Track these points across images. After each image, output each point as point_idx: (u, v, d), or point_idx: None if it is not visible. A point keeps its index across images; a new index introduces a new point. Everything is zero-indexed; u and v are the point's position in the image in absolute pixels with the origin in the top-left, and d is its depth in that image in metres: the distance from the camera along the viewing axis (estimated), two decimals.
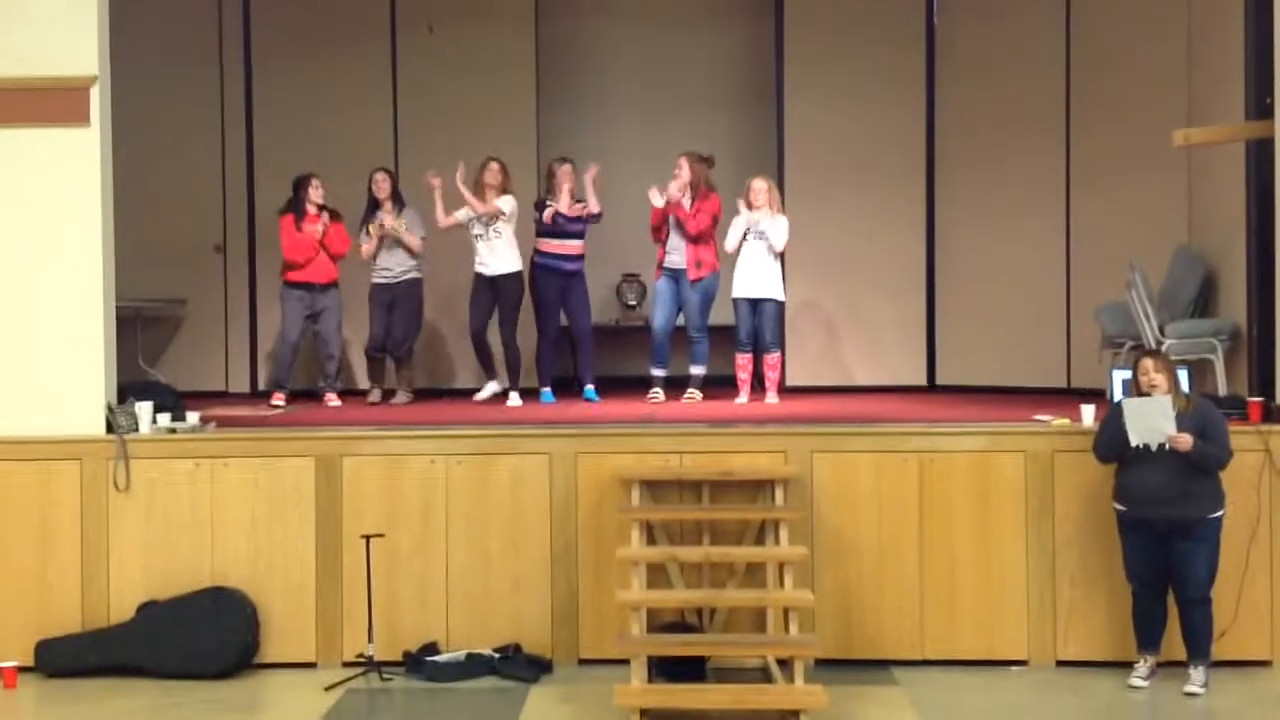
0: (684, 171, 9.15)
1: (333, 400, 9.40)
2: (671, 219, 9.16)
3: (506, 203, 9.25)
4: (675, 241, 9.21)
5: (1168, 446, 6.54)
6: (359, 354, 10.20)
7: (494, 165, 9.29)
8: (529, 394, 9.37)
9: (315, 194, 9.35)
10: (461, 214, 9.28)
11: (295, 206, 9.37)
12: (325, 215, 9.34)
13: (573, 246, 9.38)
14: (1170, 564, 6.66)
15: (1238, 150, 8.10)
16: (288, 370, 9.44)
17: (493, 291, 9.30)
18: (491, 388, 9.35)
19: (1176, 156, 8.87)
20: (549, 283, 9.40)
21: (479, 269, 9.32)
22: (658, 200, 9.12)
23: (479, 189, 9.24)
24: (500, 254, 9.26)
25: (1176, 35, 9.21)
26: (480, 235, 9.24)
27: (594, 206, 9.33)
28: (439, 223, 9.37)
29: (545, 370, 9.48)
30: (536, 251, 9.47)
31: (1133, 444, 6.58)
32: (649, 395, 9.26)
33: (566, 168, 9.41)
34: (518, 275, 9.34)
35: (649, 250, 9.51)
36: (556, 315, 9.46)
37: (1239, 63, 8.08)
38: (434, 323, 10.49)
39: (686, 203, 9.11)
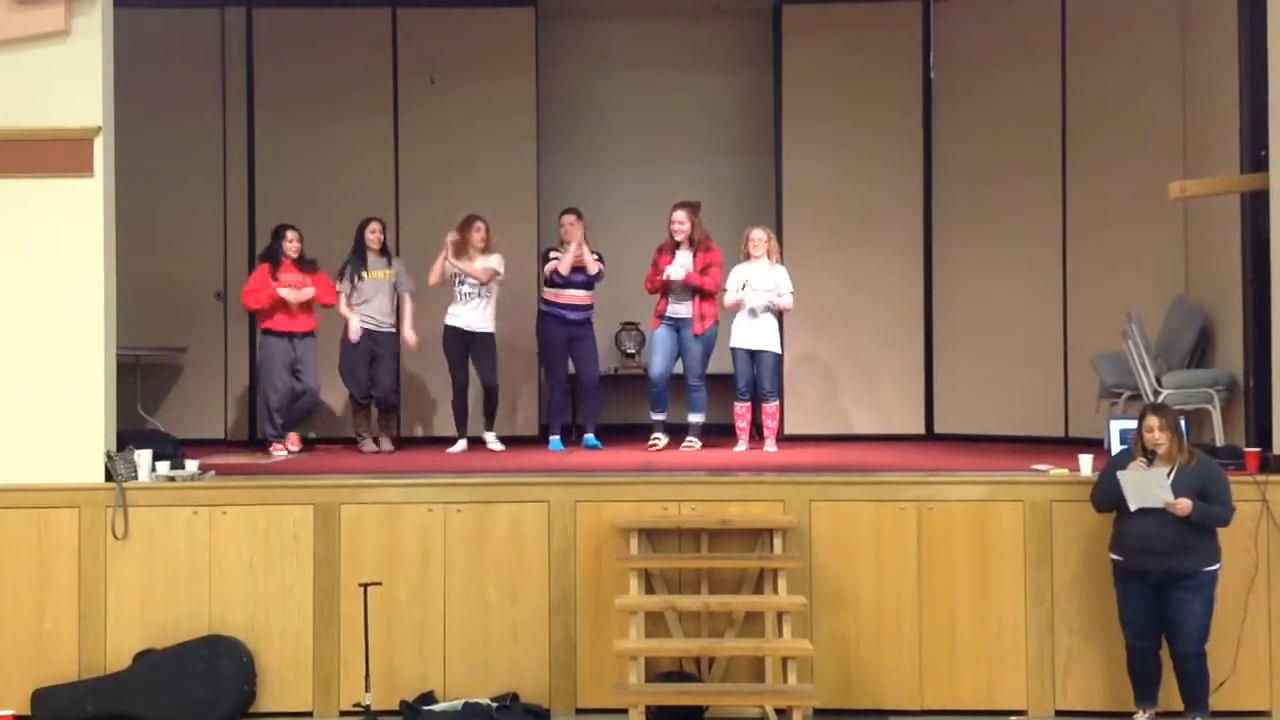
0: (686, 225, 9.18)
1: (294, 444, 9.36)
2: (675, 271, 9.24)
3: (499, 262, 9.30)
4: (680, 293, 9.24)
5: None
6: (338, 399, 10.19)
7: (480, 224, 9.31)
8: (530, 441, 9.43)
9: (290, 247, 9.34)
10: (450, 269, 9.29)
11: (271, 255, 9.37)
12: (297, 289, 9.25)
13: (578, 297, 9.40)
14: (1165, 616, 6.65)
15: (1233, 202, 8.16)
16: (283, 421, 9.41)
17: (467, 346, 9.31)
18: (463, 444, 9.35)
19: (1173, 208, 8.91)
20: (554, 332, 9.42)
21: (457, 323, 9.29)
22: (678, 274, 9.13)
23: (464, 247, 9.26)
24: (483, 313, 9.29)
25: (1172, 88, 9.28)
26: (471, 293, 9.25)
27: (591, 269, 9.35)
28: (432, 280, 9.36)
29: (555, 418, 9.49)
30: (543, 301, 9.52)
31: (1131, 509, 6.59)
32: (650, 441, 9.27)
33: (568, 219, 9.44)
34: (491, 335, 9.37)
35: (647, 299, 9.54)
36: (563, 364, 9.49)
37: (1234, 116, 8.16)
38: (422, 372, 10.50)
39: (689, 260, 9.15)
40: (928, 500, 7.29)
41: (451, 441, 9.49)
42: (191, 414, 10.47)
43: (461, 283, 9.28)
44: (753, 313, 8.98)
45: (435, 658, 7.29)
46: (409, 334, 9.54)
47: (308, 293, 9.28)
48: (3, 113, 7.40)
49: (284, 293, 9.21)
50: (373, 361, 9.59)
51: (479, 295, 9.27)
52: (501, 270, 9.33)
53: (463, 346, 9.34)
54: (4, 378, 7.40)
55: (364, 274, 9.55)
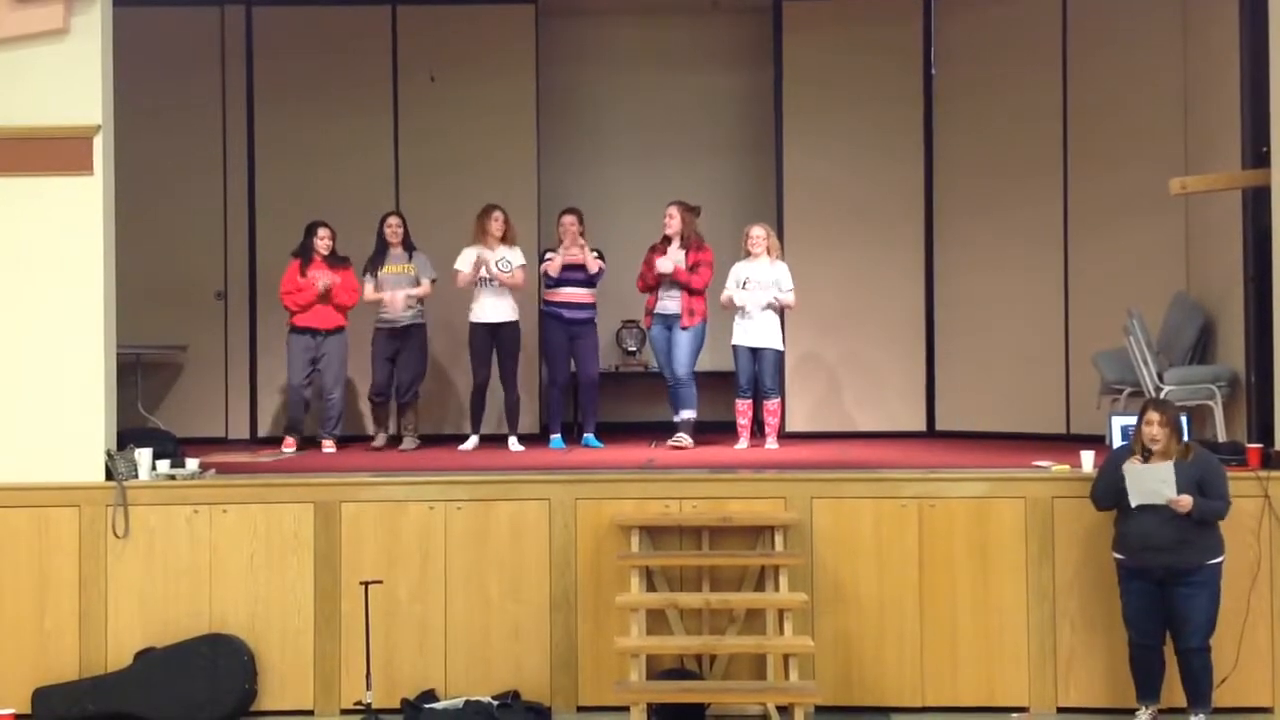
0: (675, 220, 9.22)
1: (328, 447, 9.40)
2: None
3: (520, 256, 9.31)
4: (669, 289, 9.25)
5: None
6: (363, 399, 10.20)
7: (498, 214, 9.30)
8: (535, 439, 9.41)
9: (321, 244, 9.39)
10: (470, 266, 9.25)
11: (303, 252, 9.42)
12: (327, 276, 9.31)
13: (575, 295, 9.38)
14: (1170, 611, 6.64)
15: (1234, 198, 8.15)
16: (300, 416, 9.43)
17: (493, 340, 9.31)
18: (474, 441, 9.33)
19: (1174, 204, 8.91)
20: (555, 331, 9.42)
21: (481, 318, 9.27)
22: (667, 268, 9.15)
23: (483, 236, 9.26)
24: (504, 304, 9.27)
25: (1173, 85, 9.27)
26: (488, 280, 9.23)
27: (591, 267, 9.33)
28: (460, 282, 9.31)
29: (555, 416, 9.48)
30: (543, 300, 9.50)
31: (1133, 504, 6.58)
32: (671, 442, 9.29)
33: (567, 219, 9.44)
34: (516, 324, 9.36)
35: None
36: (564, 363, 9.47)
37: (1235, 111, 8.16)
38: (445, 368, 10.49)
39: (680, 257, 9.17)
40: (929, 497, 7.28)
41: (462, 439, 9.46)
42: (192, 412, 10.46)
43: (480, 272, 9.25)
44: (744, 313, 8.96)
45: (436, 656, 7.28)
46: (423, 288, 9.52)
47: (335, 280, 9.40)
48: (2, 111, 7.39)
49: (319, 282, 9.25)
50: (394, 358, 9.58)
51: (495, 285, 9.23)
52: (524, 262, 9.35)
53: (488, 341, 9.29)
54: (4, 376, 7.40)
55: (381, 270, 9.54)
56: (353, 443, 9.79)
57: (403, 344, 9.59)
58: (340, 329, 9.47)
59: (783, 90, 10.59)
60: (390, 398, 9.70)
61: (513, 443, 9.23)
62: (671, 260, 9.17)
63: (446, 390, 10.56)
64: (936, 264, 10.49)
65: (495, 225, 9.27)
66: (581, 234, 9.40)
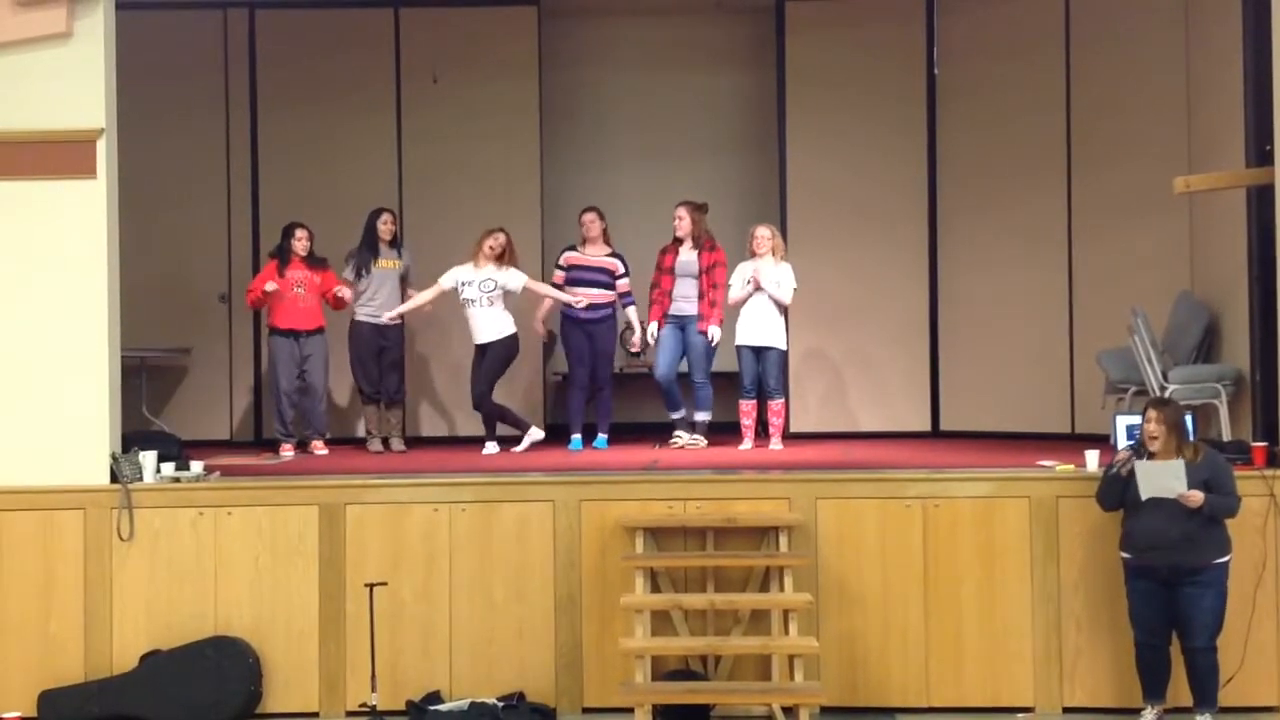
0: (685, 222, 9.21)
1: (320, 448, 9.41)
2: (678, 268, 9.22)
3: (514, 278, 9.15)
4: (683, 289, 9.23)
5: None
6: (343, 398, 10.22)
7: (497, 236, 9.09)
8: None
9: (299, 245, 9.39)
10: (448, 284, 9.17)
11: (280, 253, 9.43)
12: (310, 280, 9.31)
13: (591, 296, 9.33)
14: (1176, 611, 6.63)
15: (1238, 196, 8.13)
16: (291, 419, 9.42)
17: (482, 356, 9.16)
18: (494, 447, 9.28)
19: (1178, 203, 8.89)
20: (571, 332, 9.40)
21: (476, 339, 9.15)
22: (716, 336, 9.10)
23: (476, 256, 9.14)
24: (492, 322, 9.09)
25: (1176, 83, 9.26)
26: (474, 300, 9.09)
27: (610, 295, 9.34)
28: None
29: (575, 418, 9.43)
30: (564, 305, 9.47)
31: (1143, 498, 6.57)
32: (671, 439, 9.27)
33: (587, 217, 9.40)
34: (507, 340, 9.16)
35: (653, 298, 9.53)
36: (582, 364, 9.39)
37: (1238, 110, 8.13)
38: (431, 371, 10.52)
39: (693, 259, 9.16)
40: (933, 497, 7.27)
41: (464, 441, 9.44)
42: (196, 415, 10.48)
43: (461, 293, 9.11)
44: (752, 295, 8.95)
45: (441, 657, 7.29)
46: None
47: (340, 294, 9.41)
48: (5, 115, 7.42)
49: (268, 286, 9.24)
50: (380, 354, 9.60)
51: (479, 304, 9.08)
52: (518, 286, 9.23)
53: (477, 357, 9.22)
54: (9, 380, 7.41)
55: (373, 265, 9.52)
56: (341, 444, 9.78)
57: (389, 344, 9.63)
58: (320, 329, 9.47)
59: (786, 90, 10.57)
60: (383, 395, 9.70)
61: (489, 447, 9.17)
62: (716, 330, 9.09)
63: (438, 393, 10.56)
64: (940, 263, 10.48)
65: (488, 248, 9.07)
66: (604, 232, 9.39)
